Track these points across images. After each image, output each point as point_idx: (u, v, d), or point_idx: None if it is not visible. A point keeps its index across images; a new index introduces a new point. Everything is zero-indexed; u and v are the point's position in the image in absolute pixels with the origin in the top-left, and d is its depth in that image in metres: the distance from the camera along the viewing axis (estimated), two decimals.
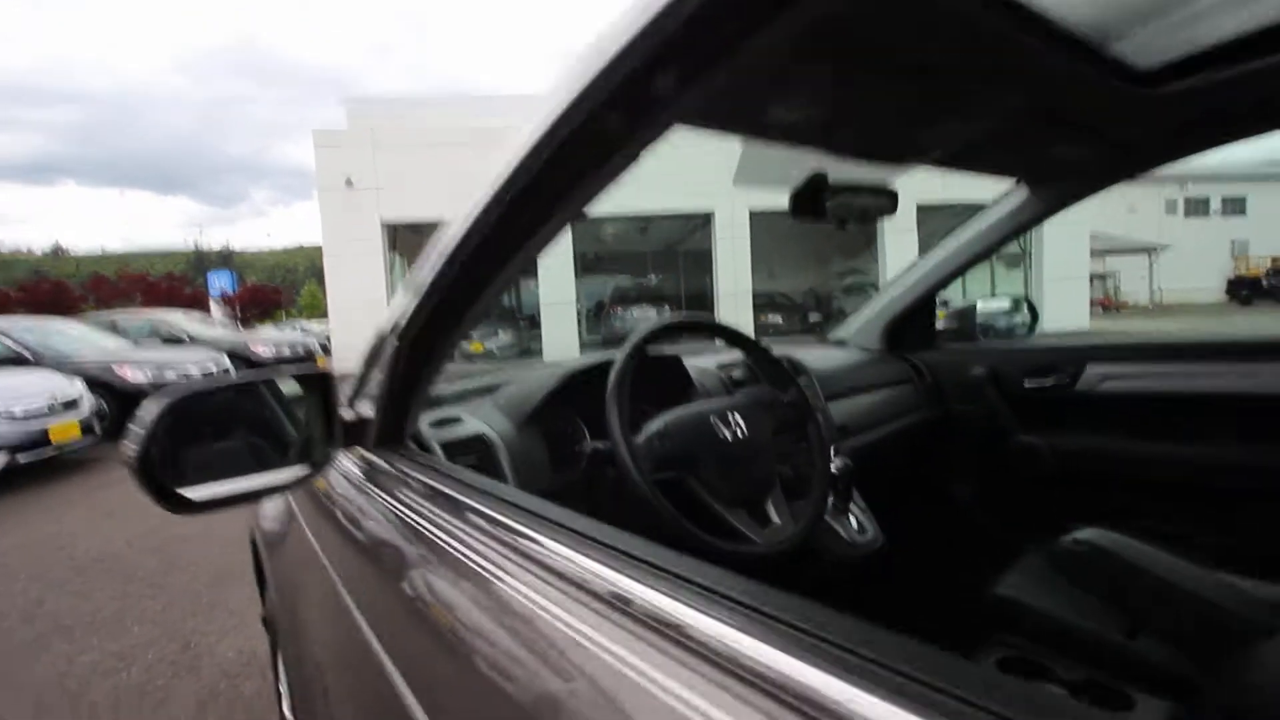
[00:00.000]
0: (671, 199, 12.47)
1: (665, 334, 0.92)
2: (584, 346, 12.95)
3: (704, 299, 13.79)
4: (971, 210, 1.62)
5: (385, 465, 0.81)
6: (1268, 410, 1.31)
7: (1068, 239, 14.05)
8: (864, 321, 1.87)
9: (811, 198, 1.10)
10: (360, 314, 11.93)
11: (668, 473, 0.84)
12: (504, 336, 12.84)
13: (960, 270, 1.61)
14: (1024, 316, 2.05)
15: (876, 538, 1.18)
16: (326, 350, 12.67)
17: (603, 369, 0.87)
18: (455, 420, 1.03)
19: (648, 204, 12.54)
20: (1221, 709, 0.96)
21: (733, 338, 1.01)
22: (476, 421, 1.01)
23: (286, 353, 10.71)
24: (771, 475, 0.93)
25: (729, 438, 0.89)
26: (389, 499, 0.74)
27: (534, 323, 13.65)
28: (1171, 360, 1.41)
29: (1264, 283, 20.69)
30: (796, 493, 1.09)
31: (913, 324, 1.80)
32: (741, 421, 0.93)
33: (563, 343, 12.76)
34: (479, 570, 0.54)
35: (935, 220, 14.31)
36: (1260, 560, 1.35)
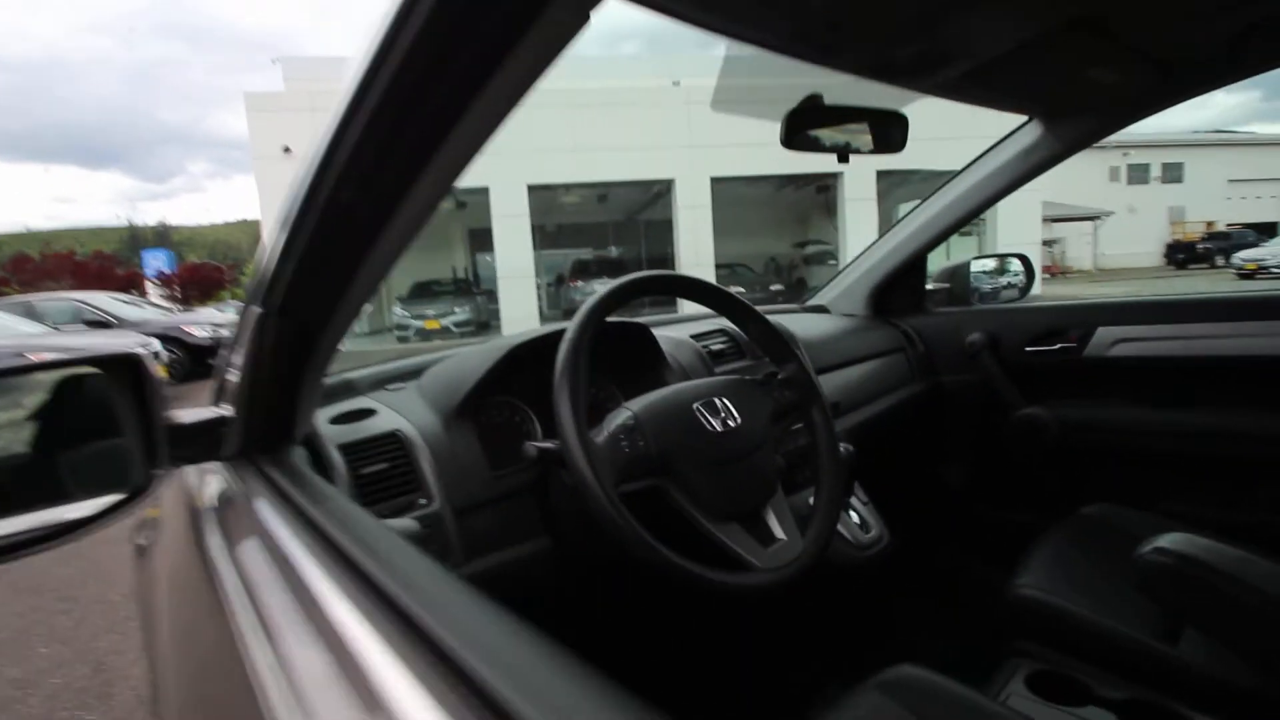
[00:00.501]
0: (631, 166, 12.12)
1: (630, 295, 0.72)
2: (544, 320, 12.58)
3: (667, 269, 13.55)
4: (936, 177, 1.45)
5: (237, 486, 0.58)
6: None
7: (1022, 207, 14.28)
8: (847, 285, 1.70)
9: (807, 123, 0.90)
10: None
11: (639, 481, 0.64)
12: (461, 312, 12.38)
13: (959, 223, 1.44)
14: (1017, 276, 1.91)
15: (882, 536, 1.01)
16: None
17: (553, 343, 0.66)
18: (365, 414, 0.80)
19: (607, 172, 12.17)
20: None
21: (716, 299, 0.81)
22: (391, 415, 0.79)
23: (226, 335, 10.07)
24: (772, 477, 0.74)
25: (717, 429, 0.70)
26: (239, 535, 0.52)
27: (493, 297, 13.23)
28: (1194, 319, 1.27)
29: (1198, 247, 21.56)
30: (798, 495, 0.91)
31: (901, 287, 1.63)
32: (733, 407, 0.73)
33: (522, 317, 12.36)
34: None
35: (901, 189, 14.39)
36: None
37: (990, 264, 1.93)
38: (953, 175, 1.48)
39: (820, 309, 1.72)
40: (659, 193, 13.54)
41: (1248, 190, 25.32)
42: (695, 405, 0.71)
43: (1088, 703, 0.83)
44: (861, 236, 12.61)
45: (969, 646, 1.07)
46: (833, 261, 14.04)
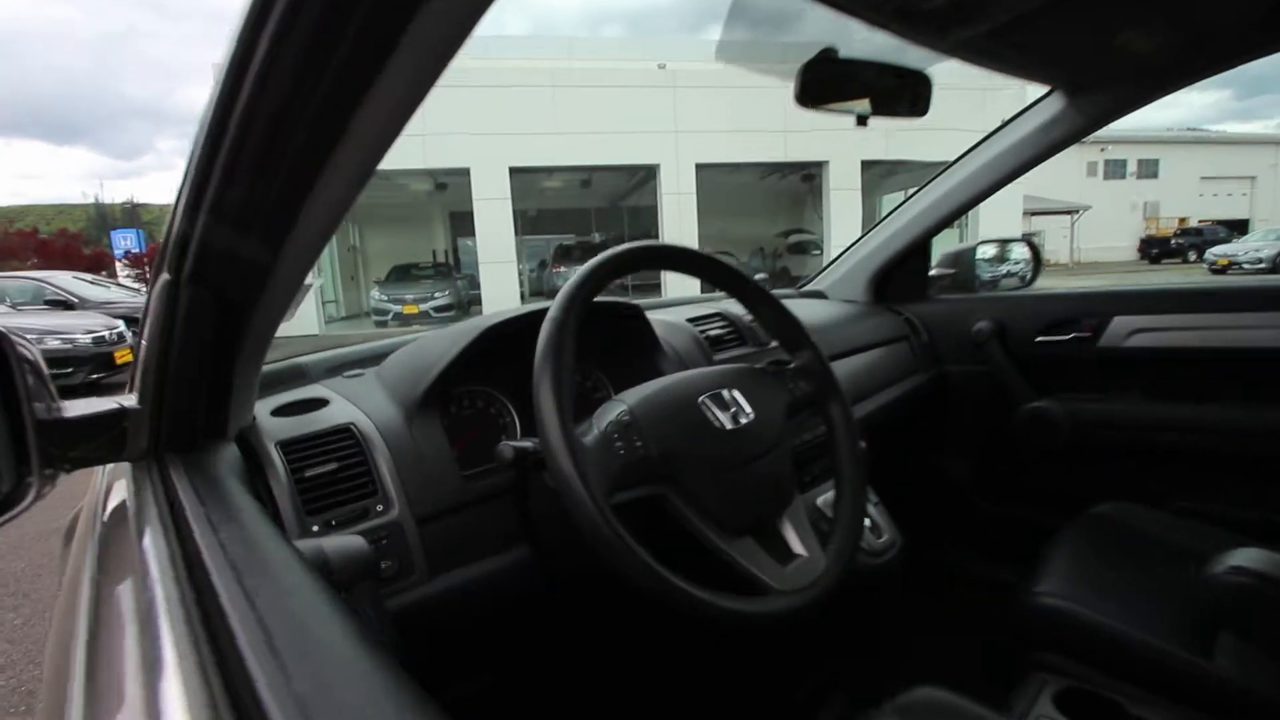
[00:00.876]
0: (615, 150, 11.92)
1: (626, 268, 0.61)
2: None
3: (654, 284, 13.43)
4: (925, 168, 1.37)
5: (131, 500, 0.47)
6: None
7: (1002, 199, 14.33)
8: (846, 270, 1.61)
9: (823, 77, 0.80)
10: None
11: (635, 489, 0.55)
12: (441, 297, 12.12)
13: (970, 204, 1.35)
14: (1018, 265, 1.83)
15: (895, 540, 0.93)
16: None
17: (536, 324, 0.56)
18: (315, 404, 0.69)
19: (591, 156, 11.94)
20: None
21: (723, 275, 0.70)
22: (345, 405, 0.68)
23: None
24: (789, 482, 0.64)
25: (727, 427, 0.60)
26: (113, 568, 0.42)
27: (474, 283, 12.99)
28: (1217, 309, 1.20)
29: (1172, 242, 21.96)
30: (806, 495, 0.82)
31: (904, 272, 1.54)
32: (744, 401, 0.64)
33: (504, 301, 12.14)
34: None
35: (889, 179, 14.37)
36: None
37: (990, 250, 1.84)
38: (965, 153, 1.39)
39: (817, 295, 1.63)
40: (643, 178, 13.37)
41: (1219, 187, 25.82)
42: (701, 398, 0.61)
43: None
44: (846, 226, 12.59)
45: (986, 659, 0.99)
46: (817, 252, 14.02)
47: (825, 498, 0.95)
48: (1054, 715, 0.78)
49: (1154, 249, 22.32)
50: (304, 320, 10.99)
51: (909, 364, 1.41)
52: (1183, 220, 24.23)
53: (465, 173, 11.59)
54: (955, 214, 1.39)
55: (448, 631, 0.65)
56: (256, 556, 0.33)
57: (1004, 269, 2.02)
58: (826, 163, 12.94)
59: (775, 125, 12.08)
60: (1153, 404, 1.28)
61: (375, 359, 0.84)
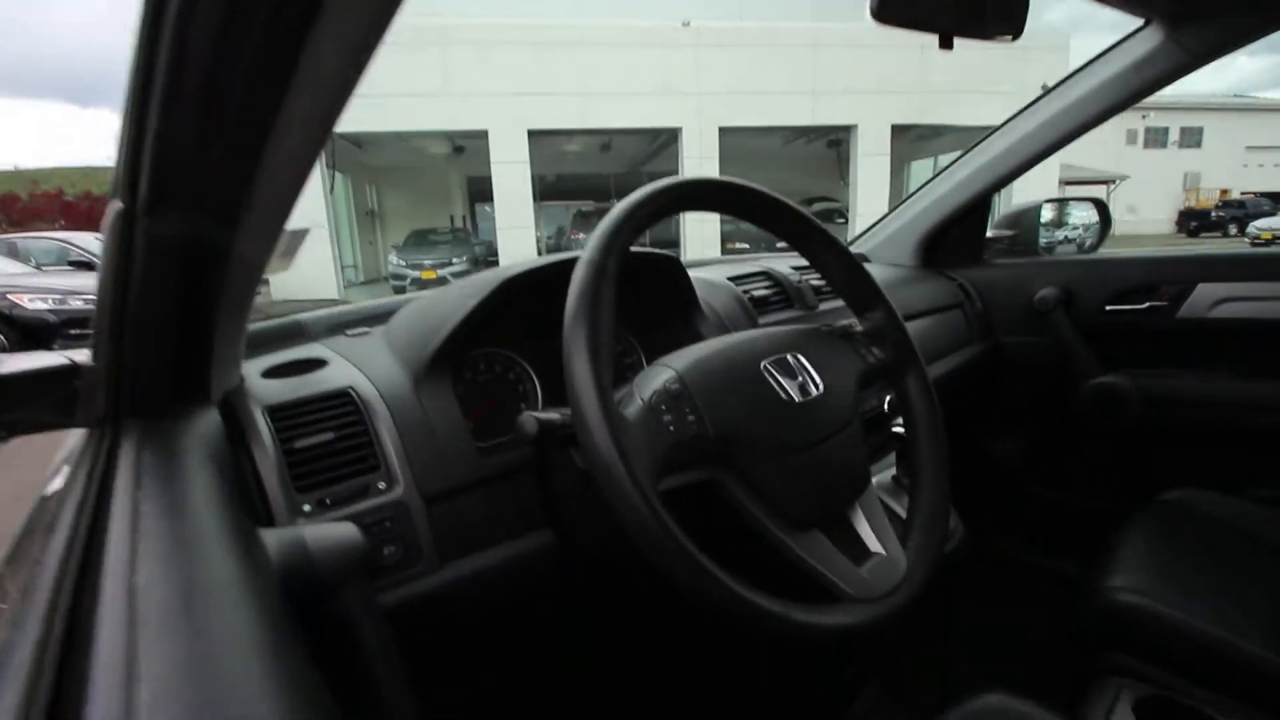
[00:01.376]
0: (636, 113, 11.59)
1: (672, 206, 0.51)
2: None
3: (668, 227, 13.14)
4: (965, 133, 1.23)
5: (75, 466, 0.40)
6: None
7: (1038, 167, 13.78)
8: (892, 231, 1.48)
9: None
10: (317, 236, 10.94)
11: (686, 473, 0.45)
12: (459, 263, 12.03)
13: (1041, 155, 1.22)
14: (1076, 230, 1.68)
15: (957, 528, 0.83)
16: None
17: (565, 275, 0.46)
18: (313, 365, 0.61)
19: (611, 118, 11.63)
20: None
21: (787, 218, 0.59)
22: (345, 367, 0.60)
23: None
24: (864, 466, 0.55)
25: (795, 399, 0.51)
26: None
27: (492, 249, 12.86)
28: None
29: (1213, 215, 21.09)
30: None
31: (957, 234, 1.41)
32: (812, 369, 0.54)
33: None
34: None
35: (919, 144, 13.87)
36: None
37: (1048, 213, 1.69)
38: (1038, 98, 1.24)
39: (860, 258, 1.50)
40: (664, 143, 13.02)
41: (1265, 158, 24.67)
42: (764, 364, 0.51)
43: None
44: (873, 195, 12.22)
45: (1049, 659, 0.91)
46: (841, 220, 13.62)
47: (878, 480, 0.86)
48: None
49: (1193, 222, 21.47)
50: (323, 284, 11.01)
51: (962, 334, 1.30)
52: (1224, 192, 23.24)
53: (483, 135, 11.36)
54: (1021, 168, 1.25)
55: (459, 626, 0.57)
56: (178, 547, 0.26)
57: (1060, 234, 1.87)
58: (855, 127, 12.50)
59: (802, 87, 11.66)
60: (1237, 381, 1.16)
61: (383, 316, 0.75)
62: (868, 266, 1.46)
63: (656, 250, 0.73)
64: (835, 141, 13.76)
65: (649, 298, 0.80)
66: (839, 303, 1.02)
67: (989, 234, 1.46)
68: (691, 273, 0.91)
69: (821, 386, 0.53)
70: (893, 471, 0.87)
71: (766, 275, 0.97)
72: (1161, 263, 1.22)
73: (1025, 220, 1.45)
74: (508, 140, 11.37)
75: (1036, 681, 0.93)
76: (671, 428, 0.44)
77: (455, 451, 0.56)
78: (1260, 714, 0.71)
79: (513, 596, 0.59)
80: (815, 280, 1.02)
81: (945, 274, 1.40)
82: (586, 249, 0.45)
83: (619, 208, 0.48)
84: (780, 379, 0.51)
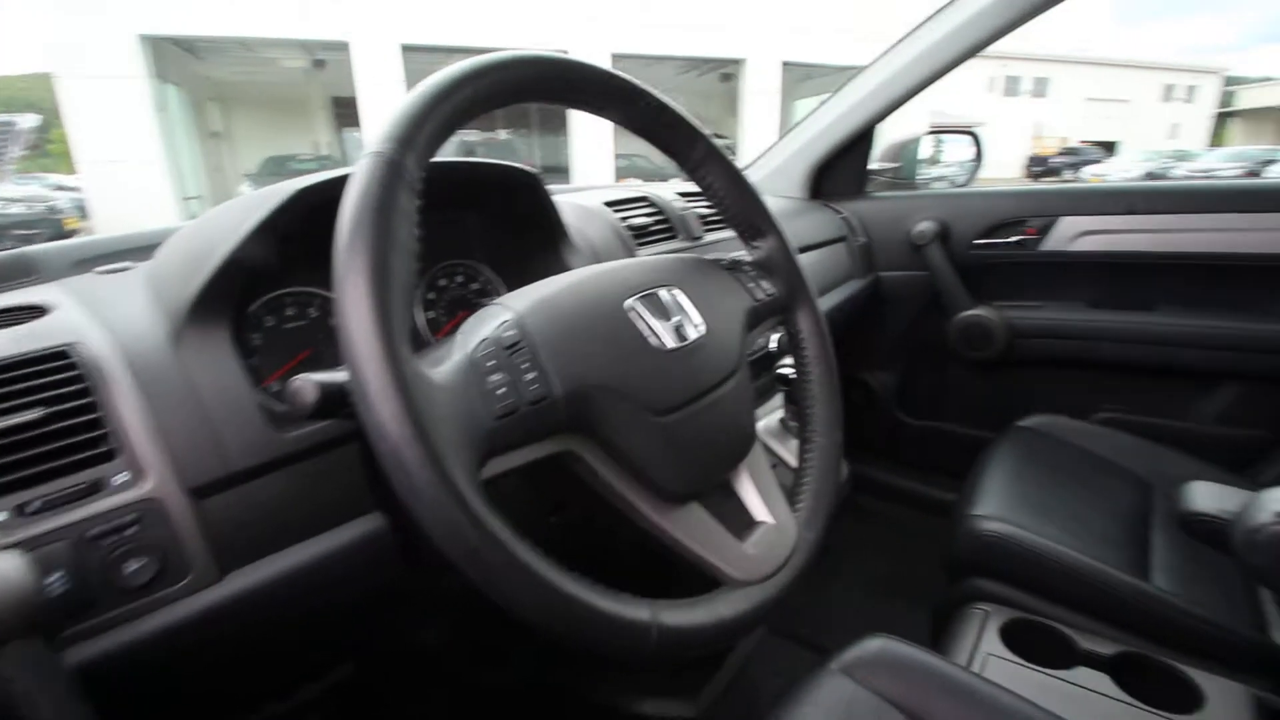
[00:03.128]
0: (519, 32, 10.78)
1: (498, 96, 0.38)
2: None
3: (556, 153, 12.56)
4: (840, 74, 1.19)
5: None
6: (1269, 270, 1.09)
7: (909, 111, 14.45)
8: (781, 162, 1.42)
9: None
10: (130, 173, 9.40)
11: (527, 448, 0.35)
12: None
13: (918, 88, 1.19)
14: (950, 167, 1.71)
15: (844, 471, 0.81)
16: (83, 212, 9.97)
17: None
18: (27, 313, 0.44)
19: (496, 38, 10.75)
20: None
21: (665, 121, 0.48)
22: (74, 315, 0.44)
23: (17, 212, 8.22)
24: (751, 420, 0.47)
25: (667, 345, 0.41)
26: None
27: None
28: (1173, 210, 1.12)
29: (1050, 161, 23.36)
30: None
31: (843, 166, 1.38)
32: (690, 306, 0.45)
33: None
34: None
35: (805, 83, 14.00)
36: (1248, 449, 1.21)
37: (927, 148, 1.70)
38: (917, 26, 1.20)
39: None
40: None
41: (1101, 109, 27.48)
42: (629, 301, 0.41)
43: (1075, 662, 0.70)
44: (762, 132, 12.29)
45: (924, 586, 0.94)
46: (731, 157, 13.71)
47: (764, 424, 0.81)
48: (1005, 654, 0.72)
49: (1036, 167, 23.70)
50: (160, 222, 9.61)
51: (847, 268, 1.28)
52: (1063, 140, 25.77)
53: (345, 48, 10.12)
54: (904, 97, 1.22)
55: (254, 648, 0.45)
56: None
57: (936, 171, 1.90)
58: (744, 61, 12.41)
59: (695, 19, 11.33)
60: (1089, 312, 1.23)
61: (151, 247, 0.57)
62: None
63: (513, 166, 0.60)
64: (727, 75, 13.63)
65: (507, 226, 0.67)
66: (727, 234, 0.94)
67: (872, 167, 1.44)
68: (562, 197, 0.79)
69: (702, 328, 0.44)
70: (779, 414, 0.83)
71: (647, 201, 0.87)
72: (1031, 195, 1.26)
73: (905, 153, 1.44)
74: (376, 55, 10.21)
75: (916, 614, 0.96)
76: (502, 390, 0.33)
77: (236, 425, 0.43)
78: (1108, 626, 0.76)
79: (333, 600, 0.48)
80: (701, 208, 0.94)
81: (831, 206, 1.37)
82: (374, 138, 0.32)
83: (425, 84, 0.35)
84: (651, 320, 0.41)
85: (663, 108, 0.47)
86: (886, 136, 1.46)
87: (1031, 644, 0.73)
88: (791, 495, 0.48)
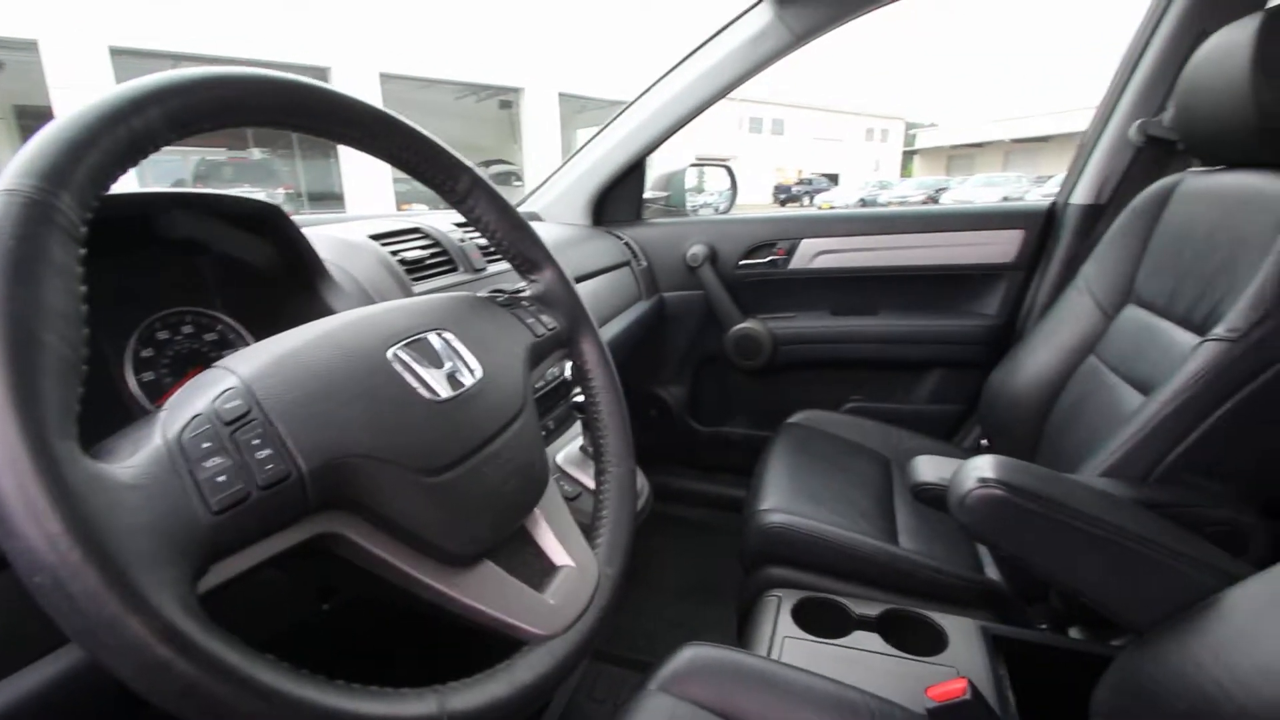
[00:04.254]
0: (279, 45, 9.66)
1: (186, 118, 0.31)
2: None
3: (326, 179, 11.44)
4: (611, 105, 1.33)
5: None
6: (956, 278, 1.37)
7: (677, 147, 15.86)
8: (562, 190, 1.46)
9: None
10: None
11: (268, 541, 0.29)
12: None
13: (685, 119, 1.30)
14: (714, 196, 1.90)
15: (644, 485, 0.83)
16: None
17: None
18: None
19: (242, 48, 9.49)
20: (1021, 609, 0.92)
21: (422, 151, 0.45)
22: None
23: None
24: (543, 463, 0.45)
25: (441, 395, 0.38)
26: None
27: None
28: (885, 232, 1.36)
29: (793, 189, 27.43)
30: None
31: (621, 194, 1.46)
32: (464, 349, 0.42)
33: None
34: None
35: (580, 115, 14.57)
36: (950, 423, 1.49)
37: (691, 179, 1.88)
38: (675, 65, 1.32)
39: (532, 217, 1.45)
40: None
41: (825, 147, 32.89)
42: (392, 351, 0.37)
43: (852, 627, 0.80)
44: (546, 159, 12.54)
45: (725, 583, 1.00)
46: (518, 183, 13.74)
47: (568, 451, 0.81)
48: (797, 632, 0.79)
49: (782, 195, 27.60)
50: None
51: (634, 291, 1.34)
52: (800, 171, 30.38)
53: (32, 47, 8.16)
54: (670, 130, 1.33)
55: None
56: None
57: (701, 199, 2.09)
58: (522, 90, 12.59)
59: (472, 42, 11.20)
60: (835, 319, 1.44)
61: None
62: (543, 226, 1.40)
63: (238, 195, 0.51)
64: (507, 103, 13.68)
65: (253, 269, 0.58)
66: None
67: (647, 194, 1.54)
68: (318, 230, 0.70)
69: (480, 372, 0.41)
70: (579, 440, 0.83)
71: (420, 232, 0.81)
72: (778, 222, 1.44)
73: (674, 183, 1.57)
74: (76, 58, 8.38)
75: (727, 611, 1.02)
76: (223, 478, 0.27)
77: None
78: (874, 590, 0.87)
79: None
80: (482, 239, 0.91)
81: (613, 233, 1.43)
82: (6, 172, 0.25)
83: (92, 102, 0.28)
84: (419, 370, 0.37)
85: (421, 140, 0.44)
86: (659, 167, 1.58)
87: (819, 619, 0.81)
88: (590, 531, 0.48)
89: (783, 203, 27.12)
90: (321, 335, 0.35)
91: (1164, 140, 1.07)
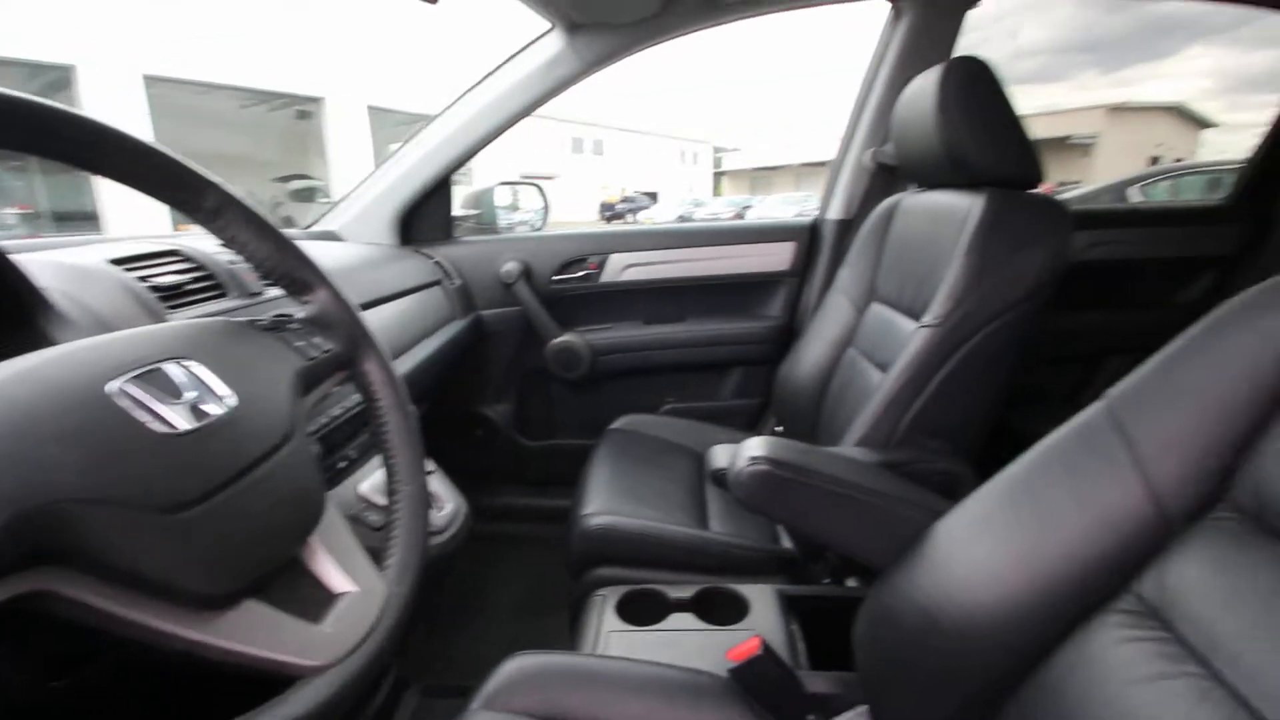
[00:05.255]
0: (17, 43, 7.88)
1: None
2: None
3: (77, 195, 9.55)
4: (414, 119, 1.34)
5: None
6: (746, 285, 1.52)
7: (500, 163, 15.71)
8: (363, 208, 1.39)
9: None
10: None
11: None
12: None
13: (487, 139, 1.31)
14: (529, 213, 1.93)
15: (460, 508, 0.82)
16: None
17: None
18: None
19: None
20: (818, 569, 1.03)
21: (153, 168, 0.41)
22: None
23: None
24: (316, 489, 0.43)
25: (178, 428, 0.34)
26: None
27: None
28: (684, 246, 1.48)
29: (617, 207, 28.52)
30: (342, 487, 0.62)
31: (428, 211, 1.43)
32: (214, 379, 0.39)
33: None
34: None
35: (385, 130, 13.77)
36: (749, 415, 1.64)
37: (507, 198, 1.89)
38: (473, 85, 1.33)
39: (330, 236, 1.36)
40: (54, 83, 9.33)
41: (644, 166, 34.60)
42: (115, 384, 0.33)
43: (669, 611, 0.85)
44: (360, 174, 11.67)
45: (564, 595, 1.01)
46: (325, 199, 12.64)
47: (373, 480, 0.77)
48: (620, 625, 0.83)
49: (607, 212, 28.56)
50: None
51: (445, 311, 1.31)
52: (623, 190, 31.69)
53: None
54: (474, 148, 1.33)
55: None
56: None
57: (518, 216, 2.11)
58: (323, 99, 11.63)
59: (261, 44, 10.08)
60: (647, 328, 1.52)
61: None
62: (341, 245, 1.32)
63: None
64: (305, 113, 12.51)
65: None
66: None
67: (457, 213, 1.52)
68: (40, 255, 0.61)
69: (233, 400, 0.38)
70: None
71: (179, 255, 0.73)
72: (588, 238, 1.50)
73: (484, 200, 1.56)
74: None
75: (560, 620, 1.03)
76: None
77: None
78: (689, 573, 0.94)
79: None
80: None
81: (423, 252, 1.39)
82: None
83: None
84: (151, 403, 0.34)
85: (144, 151, 0.40)
86: (482, 184, 1.57)
87: (641, 608, 0.86)
88: (380, 554, 0.46)
89: (609, 219, 27.99)
90: (21, 373, 0.31)
91: (889, 165, 1.31)
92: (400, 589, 0.44)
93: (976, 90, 0.88)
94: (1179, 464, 0.43)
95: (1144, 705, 0.39)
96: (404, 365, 1.05)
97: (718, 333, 1.51)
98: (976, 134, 0.87)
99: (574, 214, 28.43)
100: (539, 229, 1.73)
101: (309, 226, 1.41)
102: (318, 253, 0.98)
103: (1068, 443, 0.51)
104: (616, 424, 1.33)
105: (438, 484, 0.82)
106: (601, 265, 1.47)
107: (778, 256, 1.46)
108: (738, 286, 1.51)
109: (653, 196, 30.23)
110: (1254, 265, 1.40)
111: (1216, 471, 0.41)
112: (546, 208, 1.70)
